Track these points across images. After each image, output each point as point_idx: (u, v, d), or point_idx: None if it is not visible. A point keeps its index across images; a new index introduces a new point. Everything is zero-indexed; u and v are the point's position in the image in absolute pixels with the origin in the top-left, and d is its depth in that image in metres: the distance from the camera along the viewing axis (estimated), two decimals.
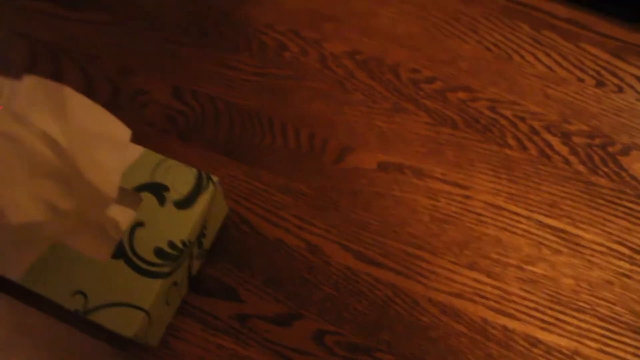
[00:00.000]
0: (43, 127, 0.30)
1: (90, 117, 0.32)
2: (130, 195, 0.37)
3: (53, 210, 0.33)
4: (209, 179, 0.37)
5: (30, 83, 0.32)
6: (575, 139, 0.43)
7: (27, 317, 0.40)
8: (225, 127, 0.44)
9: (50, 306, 0.37)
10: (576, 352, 0.36)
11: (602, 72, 0.45)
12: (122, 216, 0.37)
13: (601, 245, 0.39)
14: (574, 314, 0.37)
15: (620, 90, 0.44)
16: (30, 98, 0.31)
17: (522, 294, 0.38)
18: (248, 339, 0.37)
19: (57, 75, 0.47)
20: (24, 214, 0.32)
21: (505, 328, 0.37)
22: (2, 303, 0.41)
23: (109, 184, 0.33)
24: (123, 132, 0.33)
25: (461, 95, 0.44)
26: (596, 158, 0.42)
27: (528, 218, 0.40)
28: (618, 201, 0.40)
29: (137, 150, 0.38)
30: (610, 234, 0.39)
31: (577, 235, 0.39)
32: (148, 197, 0.37)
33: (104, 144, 0.32)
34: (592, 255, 0.39)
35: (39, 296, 0.35)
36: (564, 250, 0.39)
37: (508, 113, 0.44)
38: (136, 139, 0.33)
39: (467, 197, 0.41)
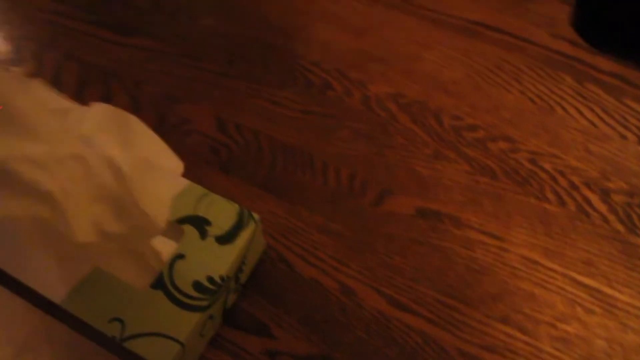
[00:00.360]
0: (109, 152, 0.31)
1: (150, 148, 0.33)
2: (173, 227, 0.38)
3: (103, 234, 0.33)
4: (251, 215, 0.38)
5: (99, 109, 0.33)
6: (615, 197, 0.43)
7: (47, 323, 0.41)
8: (267, 162, 0.45)
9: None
10: None
11: None
12: (164, 247, 0.38)
13: (636, 307, 0.39)
14: None
15: None
16: (99, 123, 0.32)
17: (554, 352, 0.38)
18: None
19: (105, 98, 0.48)
20: (84, 233, 0.32)
21: None
22: (20, 304, 0.41)
23: (161, 215, 0.33)
24: (177, 165, 0.34)
25: (502, 145, 0.45)
26: (635, 217, 0.42)
27: (563, 275, 0.40)
28: None
29: (182, 182, 0.39)
30: None
31: (612, 296, 0.39)
32: (190, 230, 0.38)
33: (159, 175, 0.33)
34: (626, 318, 0.39)
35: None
36: (598, 310, 0.39)
37: (548, 166, 0.44)
38: None
39: (503, 249, 0.41)
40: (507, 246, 0.41)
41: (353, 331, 0.39)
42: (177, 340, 0.35)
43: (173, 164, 0.34)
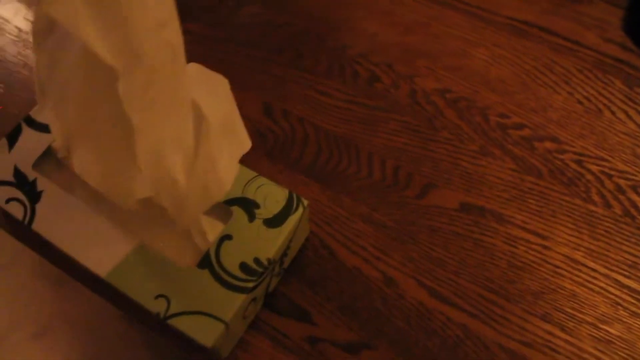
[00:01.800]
0: (197, 101, 0.32)
1: (232, 114, 0.34)
2: (221, 208, 0.38)
3: (173, 186, 0.33)
4: (300, 200, 0.38)
5: (193, 66, 0.33)
6: None
7: (67, 302, 0.41)
8: (312, 150, 0.45)
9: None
10: None
11: None
12: (211, 227, 0.39)
13: None
14: None
15: None
16: (192, 75, 0.32)
17: (596, 352, 0.38)
18: None
19: None
20: (146, 166, 0.32)
21: None
22: (43, 285, 0.42)
23: (228, 180, 0.34)
24: (246, 140, 0.35)
25: (548, 145, 0.45)
26: None
27: (606, 276, 0.40)
28: None
29: None
30: None
31: None
32: (238, 212, 0.38)
33: (232, 142, 0.34)
34: None
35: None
36: None
37: (595, 168, 0.44)
38: None
39: (546, 247, 0.41)
40: (550, 245, 0.41)
41: (393, 321, 0.39)
42: (221, 320, 0.35)
43: (243, 137, 0.34)
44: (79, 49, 0.31)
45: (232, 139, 0.34)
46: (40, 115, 0.42)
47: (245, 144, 0.35)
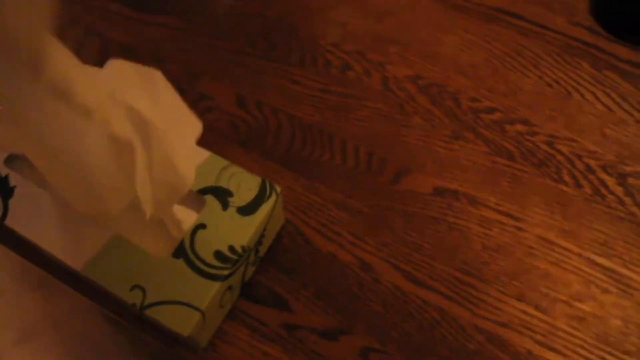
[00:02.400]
0: (136, 105, 0.31)
1: (174, 105, 0.33)
2: (194, 197, 0.38)
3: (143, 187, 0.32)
4: (273, 187, 0.38)
5: (120, 64, 0.33)
6: (631, 180, 0.43)
7: (52, 308, 0.41)
8: (286, 139, 0.45)
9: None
10: None
11: None
12: (185, 216, 0.39)
13: None
14: (622, 355, 0.37)
15: None
16: (123, 77, 0.31)
17: (570, 330, 0.38)
18: (295, 348, 0.38)
19: None
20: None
21: None
22: (25, 289, 0.41)
23: (189, 173, 0.33)
24: (197, 125, 0.34)
25: (519, 128, 0.45)
26: None
27: (579, 255, 0.41)
28: None
29: (204, 153, 0.40)
30: None
31: (628, 277, 0.40)
32: (212, 201, 0.38)
33: (183, 134, 0.33)
34: None
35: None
36: (614, 290, 0.39)
37: (565, 149, 0.44)
38: (198, 142, 0.34)
39: (520, 228, 0.41)
40: (523, 226, 0.42)
41: (370, 305, 0.39)
42: (197, 309, 0.35)
43: (193, 122, 0.34)
44: None
45: (181, 129, 0.34)
46: None
47: (196, 126, 0.35)
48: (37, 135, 0.28)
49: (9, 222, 0.39)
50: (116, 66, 0.32)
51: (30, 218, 0.39)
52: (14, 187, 0.40)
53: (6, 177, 0.40)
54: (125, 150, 0.30)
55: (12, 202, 0.39)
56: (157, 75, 0.33)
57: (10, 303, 0.41)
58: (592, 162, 0.44)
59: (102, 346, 0.40)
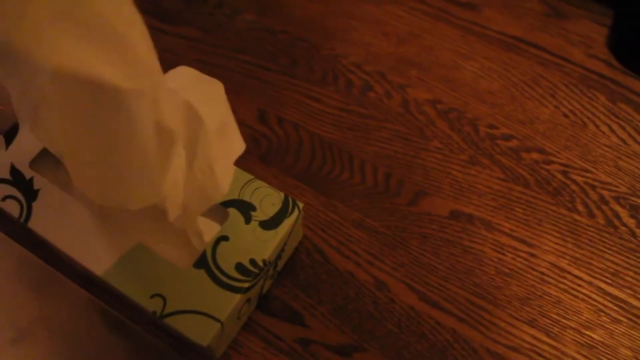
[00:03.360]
0: (194, 103, 0.31)
1: (226, 118, 0.34)
2: (217, 209, 0.39)
3: (175, 190, 0.33)
4: (295, 204, 0.39)
5: (185, 69, 0.33)
6: None
7: (49, 309, 0.41)
8: (306, 156, 0.46)
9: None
10: None
11: None
12: (208, 228, 0.39)
13: None
14: None
15: None
16: (187, 80, 0.32)
17: (579, 357, 0.39)
18: None
19: None
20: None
21: None
22: (23, 289, 0.42)
23: (225, 182, 0.34)
24: (240, 144, 0.35)
25: (535, 156, 0.46)
26: None
27: (590, 284, 0.41)
28: None
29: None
30: None
31: (638, 308, 0.40)
32: (235, 214, 0.39)
33: (227, 147, 0.34)
34: None
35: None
36: (624, 320, 0.40)
37: (579, 179, 0.45)
38: None
39: (533, 255, 0.42)
40: (537, 252, 0.42)
41: (384, 324, 0.40)
42: (217, 319, 0.36)
43: (238, 141, 0.35)
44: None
45: (227, 142, 0.35)
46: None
47: (239, 146, 0.36)
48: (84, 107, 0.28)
49: (32, 224, 0.39)
50: (182, 70, 0.33)
51: (53, 222, 0.39)
52: (38, 190, 0.40)
53: (31, 180, 0.40)
54: (166, 140, 0.30)
55: (35, 205, 0.40)
56: (219, 86, 0.34)
57: (7, 302, 0.41)
58: (605, 193, 0.45)
59: (96, 351, 0.40)
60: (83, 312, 0.41)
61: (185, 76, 0.33)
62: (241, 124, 0.47)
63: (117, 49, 0.25)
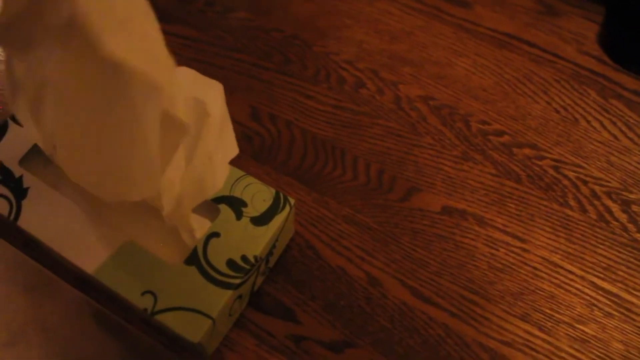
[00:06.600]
0: (202, 98, 0.32)
1: (224, 120, 0.34)
2: (209, 205, 0.39)
3: (170, 186, 0.33)
4: (286, 199, 0.39)
5: (187, 70, 0.33)
6: (635, 208, 0.44)
7: (42, 311, 0.41)
8: (299, 153, 0.46)
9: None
10: None
11: None
12: (199, 225, 0.39)
13: None
14: None
15: None
16: (190, 79, 0.32)
17: (572, 351, 0.39)
18: None
19: None
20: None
21: None
22: (16, 291, 0.41)
23: (219, 179, 0.34)
24: (234, 148, 0.35)
25: (527, 151, 0.46)
26: None
27: (582, 278, 0.41)
28: None
29: None
30: None
31: (630, 302, 0.40)
32: (226, 210, 0.39)
33: (224, 146, 0.34)
34: None
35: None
36: (616, 314, 0.40)
37: (571, 175, 0.45)
38: None
39: (525, 250, 0.42)
40: (529, 247, 0.42)
41: (377, 320, 0.40)
42: (208, 316, 0.36)
43: (232, 144, 0.35)
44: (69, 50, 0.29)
45: (224, 142, 0.35)
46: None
47: (233, 149, 0.36)
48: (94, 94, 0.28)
49: (22, 223, 0.39)
50: (182, 71, 0.33)
51: (43, 220, 0.39)
52: (28, 188, 0.40)
53: (20, 178, 0.40)
54: (175, 132, 0.30)
55: (25, 203, 0.39)
56: (218, 87, 0.34)
57: (2, 305, 0.41)
58: (597, 188, 0.45)
59: (91, 353, 0.40)
60: (77, 313, 0.41)
61: (185, 77, 0.33)
62: (234, 121, 0.47)
63: (133, 36, 0.26)
